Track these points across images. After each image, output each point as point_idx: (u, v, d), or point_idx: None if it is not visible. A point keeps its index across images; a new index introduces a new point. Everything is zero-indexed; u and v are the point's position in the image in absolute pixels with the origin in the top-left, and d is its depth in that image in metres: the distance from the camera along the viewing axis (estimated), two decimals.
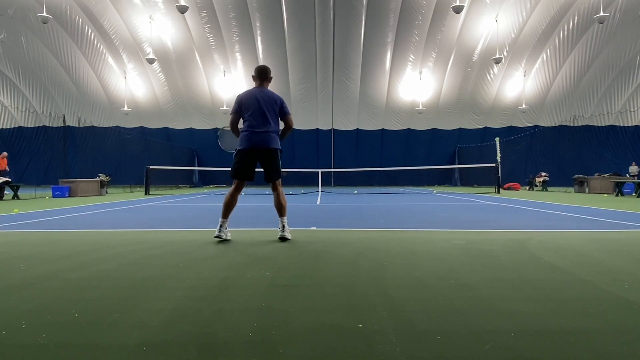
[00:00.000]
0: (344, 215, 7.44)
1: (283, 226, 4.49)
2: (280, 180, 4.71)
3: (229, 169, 4.81)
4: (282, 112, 4.61)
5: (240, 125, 4.66)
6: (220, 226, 4.43)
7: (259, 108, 4.48)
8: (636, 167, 20.45)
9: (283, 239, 4.42)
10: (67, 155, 28.49)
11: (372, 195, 15.70)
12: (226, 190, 4.77)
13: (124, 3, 24.77)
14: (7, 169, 16.45)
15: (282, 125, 4.72)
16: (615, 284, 2.61)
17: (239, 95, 4.65)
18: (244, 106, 4.54)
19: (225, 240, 4.42)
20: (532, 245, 4.03)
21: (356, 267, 3.13)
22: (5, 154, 16.87)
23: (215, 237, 4.41)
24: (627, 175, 19.43)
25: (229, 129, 4.91)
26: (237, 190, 4.66)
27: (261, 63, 27.29)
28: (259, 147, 4.46)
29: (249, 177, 4.62)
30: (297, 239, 4.54)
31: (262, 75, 4.69)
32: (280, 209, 4.63)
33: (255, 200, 12.65)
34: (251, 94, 4.58)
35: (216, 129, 29.93)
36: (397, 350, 1.63)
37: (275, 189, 4.69)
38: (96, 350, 1.65)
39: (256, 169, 4.68)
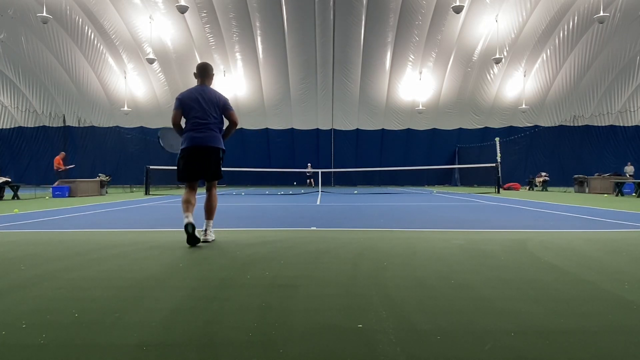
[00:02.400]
0: (344, 215, 7.44)
1: (205, 230, 4.36)
2: (215, 182, 4.58)
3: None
4: (224, 108, 4.46)
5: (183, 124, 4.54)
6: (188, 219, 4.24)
7: (201, 106, 4.36)
8: (632, 167, 20.45)
9: (205, 242, 4.27)
10: (67, 155, 28.46)
11: (372, 195, 15.70)
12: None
13: (124, 3, 24.76)
14: (62, 167, 17.18)
15: (226, 123, 4.61)
16: (615, 284, 2.62)
17: (179, 95, 4.50)
18: (185, 105, 4.38)
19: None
20: (532, 245, 4.03)
21: (356, 267, 3.13)
22: (62, 154, 17.83)
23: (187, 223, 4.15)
24: (626, 175, 19.43)
25: (171, 127, 4.77)
26: (189, 193, 4.39)
27: (261, 63, 27.32)
28: (201, 145, 4.33)
29: (197, 177, 4.45)
30: (297, 239, 4.54)
31: (203, 72, 4.53)
32: (210, 211, 4.46)
33: (254, 200, 12.66)
34: (192, 92, 4.43)
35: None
36: (397, 350, 1.63)
37: (209, 190, 4.56)
38: (96, 350, 1.65)
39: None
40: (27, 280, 2.77)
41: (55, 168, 17.00)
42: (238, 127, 4.78)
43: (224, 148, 4.49)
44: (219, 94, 4.53)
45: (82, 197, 14.09)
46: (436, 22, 25.42)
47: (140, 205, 10.18)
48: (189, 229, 4.00)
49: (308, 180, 27.21)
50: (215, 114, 4.39)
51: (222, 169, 4.57)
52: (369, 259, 3.41)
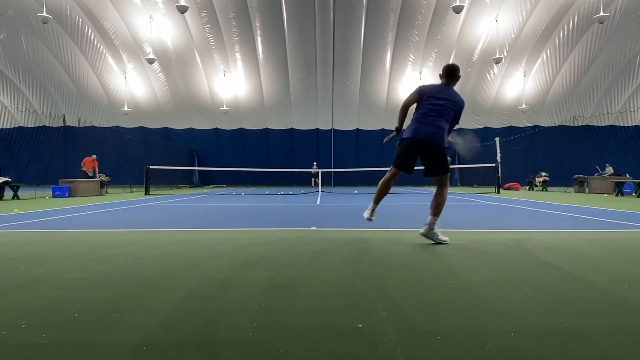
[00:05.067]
0: (344, 215, 7.44)
1: (430, 227, 4.22)
2: (445, 177, 4.46)
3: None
4: (457, 117, 4.46)
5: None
6: (372, 210, 4.58)
7: (439, 103, 4.32)
8: (610, 168, 20.47)
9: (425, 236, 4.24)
10: (67, 155, 28.46)
11: (372, 195, 15.66)
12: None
13: (124, 3, 24.75)
14: (90, 169, 17.43)
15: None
16: (615, 284, 2.61)
17: (425, 87, 4.50)
18: (425, 95, 4.38)
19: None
20: (532, 245, 4.02)
21: (356, 267, 3.13)
22: (94, 156, 17.97)
23: (367, 219, 4.60)
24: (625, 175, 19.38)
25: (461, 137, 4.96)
26: (392, 178, 4.52)
27: (261, 63, 27.30)
28: (424, 139, 4.27)
29: (408, 169, 4.44)
30: (297, 239, 4.54)
31: (449, 74, 4.51)
32: (436, 207, 4.35)
33: (254, 200, 12.65)
34: (436, 87, 4.47)
35: (216, 129, 29.94)
36: (397, 350, 1.62)
37: (441, 186, 4.47)
38: (96, 350, 1.65)
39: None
40: (27, 280, 2.77)
41: (87, 169, 17.29)
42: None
43: (447, 146, 4.45)
44: (460, 97, 4.48)
45: (82, 197, 14.08)
46: (436, 22, 25.41)
47: (140, 205, 10.17)
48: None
49: (313, 180, 26.86)
50: (448, 115, 4.34)
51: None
52: (369, 259, 3.41)
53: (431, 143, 4.27)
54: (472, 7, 24.50)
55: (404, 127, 4.60)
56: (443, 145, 4.34)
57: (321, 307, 2.18)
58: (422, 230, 4.28)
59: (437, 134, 4.28)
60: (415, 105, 4.49)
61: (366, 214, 4.61)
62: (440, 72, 4.59)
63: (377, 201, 4.61)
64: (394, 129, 4.79)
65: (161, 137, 29.54)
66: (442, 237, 4.21)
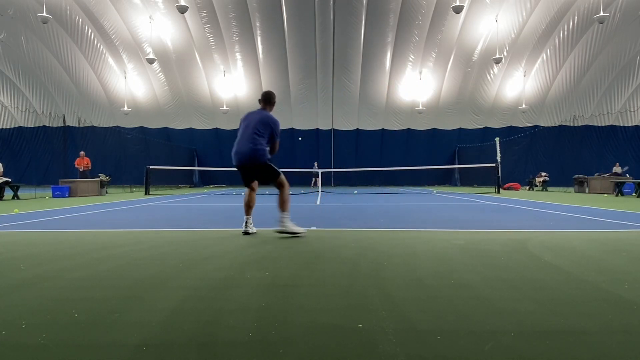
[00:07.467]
0: (344, 215, 7.44)
1: (281, 222, 4.80)
2: (279, 179, 4.98)
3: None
4: (273, 134, 4.98)
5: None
6: (246, 222, 4.97)
7: (247, 127, 4.90)
8: (619, 167, 20.51)
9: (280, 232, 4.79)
10: (67, 155, 28.44)
11: (372, 195, 15.69)
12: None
13: (124, 3, 24.75)
14: (81, 167, 17.69)
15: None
16: (615, 284, 2.62)
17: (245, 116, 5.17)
18: (241, 122, 5.08)
19: (247, 234, 4.95)
20: (532, 245, 4.03)
21: (356, 267, 3.13)
22: (82, 153, 18.24)
23: (242, 233, 4.96)
24: (626, 175, 19.40)
25: None
26: (252, 191, 5.19)
27: (261, 63, 27.31)
28: (245, 163, 4.88)
29: (251, 184, 5.14)
30: (297, 239, 4.54)
31: (263, 98, 5.13)
32: (281, 204, 4.92)
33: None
34: (250, 113, 5.10)
35: (216, 129, 29.97)
36: (397, 350, 1.62)
37: (278, 188, 5.04)
38: (96, 350, 1.65)
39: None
40: (27, 280, 2.77)
41: (85, 169, 17.65)
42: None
43: (267, 160, 4.97)
44: (271, 117, 5.00)
45: (82, 197, 14.08)
46: (436, 22, 25.41)
47: (140, 205, 10.17)
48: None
49: (314, 180, 26.46)
50: (258, 131, 4.85)
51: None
52: (369, 259, 3.41)
53: (247, 164, 4.87)
54: (472, 7, 24.50)
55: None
56: (259, 161, 4.85)
57: (321, 307, 2.18)
58: (277, 228, 4.78)
59: (250, 154, 4.82)
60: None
61: (242, 228, 4.99)
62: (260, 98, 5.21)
63: (247, 213, 5.08)
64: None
65: (161, 137, 29.54)
66: (296, 229, 4.72)
